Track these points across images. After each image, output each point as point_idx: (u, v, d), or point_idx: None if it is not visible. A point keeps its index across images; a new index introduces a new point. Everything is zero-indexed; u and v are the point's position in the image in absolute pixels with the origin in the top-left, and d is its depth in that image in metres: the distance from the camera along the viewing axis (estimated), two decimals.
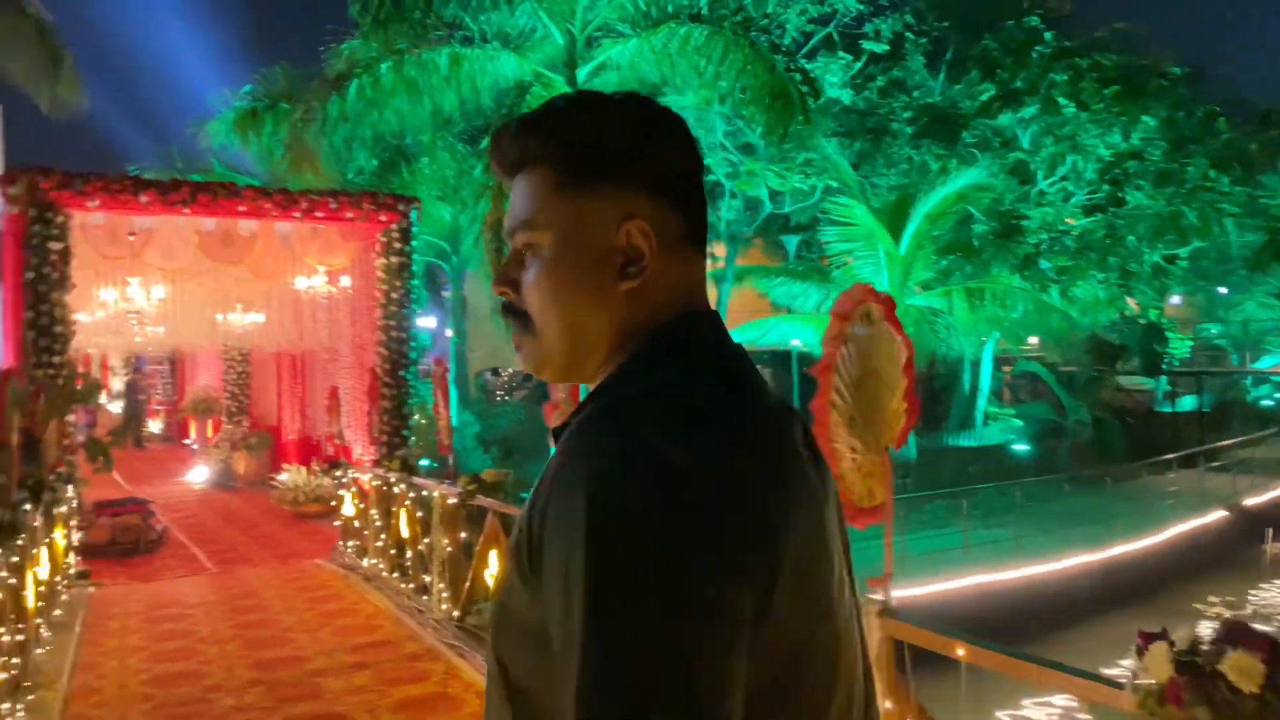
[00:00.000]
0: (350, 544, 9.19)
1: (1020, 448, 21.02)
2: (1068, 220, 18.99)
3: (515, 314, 1.00)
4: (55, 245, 9.27)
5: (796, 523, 0.87)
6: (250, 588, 8.45)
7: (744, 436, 0.89)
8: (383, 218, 11.01)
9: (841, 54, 17.40)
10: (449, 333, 23.20)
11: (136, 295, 11.19)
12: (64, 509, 8.03)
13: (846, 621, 0.96)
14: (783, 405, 1.01)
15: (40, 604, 6.59)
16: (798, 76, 12.76)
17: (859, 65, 18.02)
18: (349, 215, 10.83)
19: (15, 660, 5.31)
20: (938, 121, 18.17)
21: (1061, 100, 18.07)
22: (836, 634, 0.93)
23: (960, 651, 2.66)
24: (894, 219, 16.79)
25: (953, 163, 17.80)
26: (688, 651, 0.77)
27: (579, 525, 0.80)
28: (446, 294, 23.24)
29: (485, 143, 14.13)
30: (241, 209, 10.15)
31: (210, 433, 17.74)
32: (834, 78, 17.03)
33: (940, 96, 19.50)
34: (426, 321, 27.12)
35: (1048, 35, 18.69)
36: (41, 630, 6.55)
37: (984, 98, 18.84)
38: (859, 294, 3.06)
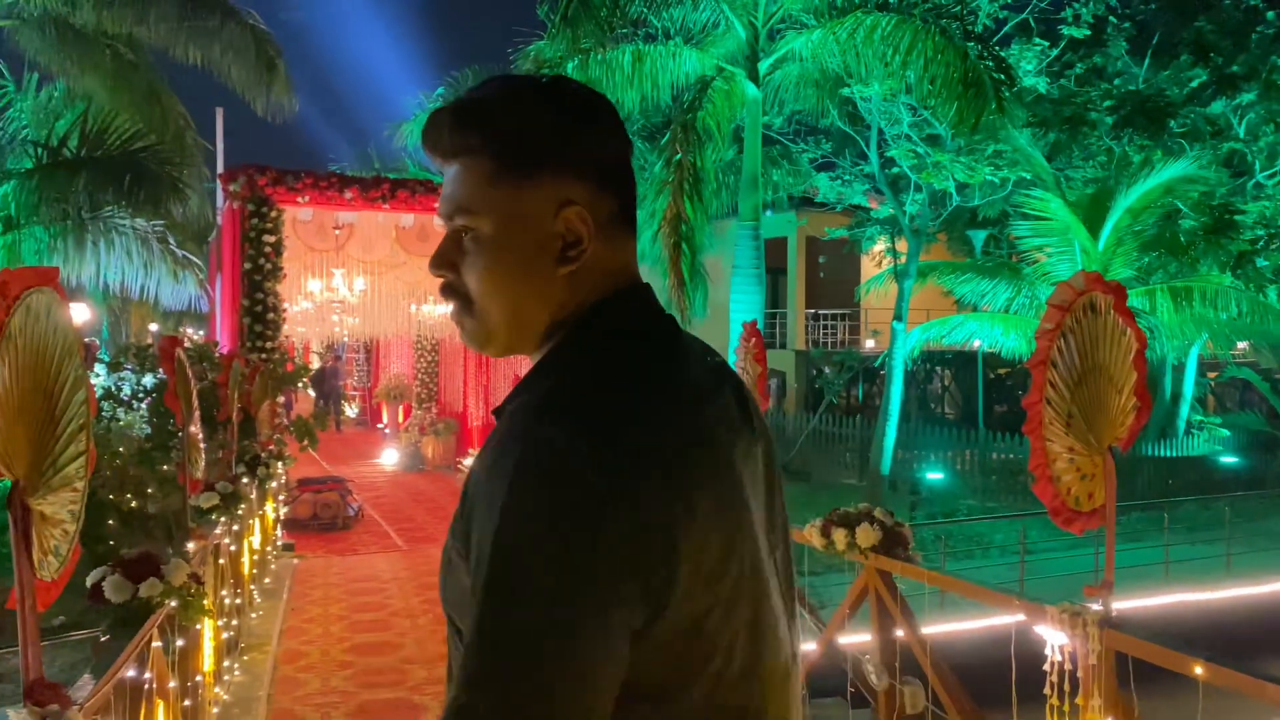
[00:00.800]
0: None
1: (1228, 460, 19.51)
2: None
3: (455, 294, 1.04)
4: (269, 238, 9.93)
5: (704, 521, 0.91)
6: (438, 566, 8.80)
7: (652, 435, 0.91)
8: None
9: (1037, 40, 16.54)
10: None
11: (339, 286, 11.85)
12: (274, 484, 8.59)
13: (769, 589, 1.01)
14: (712, 369, 1.06)
15: (254, 571, 7.07)
16: (990, 64, 12.21)
17: (1055, 52, 17.09)
18: None
19: (234, 622, 5.71)
20: (1141, 110, 17.01)
21: None
22: (757, 606, 0.97)
23: (1198, 670, 2.46)
24: (1091, 213, 15.89)
25: (1157, 154, 16.64)
26: (554, 663, 0.82)
27: (493, 520, 0.86)
28: None
29: (665, 139, 14.28)
30: (437, 205, 10.60)
31: (401, 418, 18.62)
32: (1028, 65, 16.20)
33: (1144, 84, 18.28)
34: None
35: (1270, 14, 17.23)
36: (254, 596, 7.02)
37: (1195, 84, 17.53)
38: (1083, 283, 2.88)
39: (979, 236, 18.97)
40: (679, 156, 13.03)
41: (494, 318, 1.02)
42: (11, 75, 14.47)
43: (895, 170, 17.64)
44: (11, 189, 11.12)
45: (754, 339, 5.34)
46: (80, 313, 16.80)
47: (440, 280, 1.06)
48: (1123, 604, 9.60)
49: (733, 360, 5.95)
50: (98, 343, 20.07)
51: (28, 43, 13.94)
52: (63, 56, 13.98)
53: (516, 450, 0.89)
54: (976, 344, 18.08)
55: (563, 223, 0.99)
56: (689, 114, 13.24)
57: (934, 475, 17.58)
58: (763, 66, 13.38)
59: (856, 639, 4.56)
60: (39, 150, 11.92)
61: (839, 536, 3.92)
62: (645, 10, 13.55)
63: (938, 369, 26.16)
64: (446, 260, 1.04)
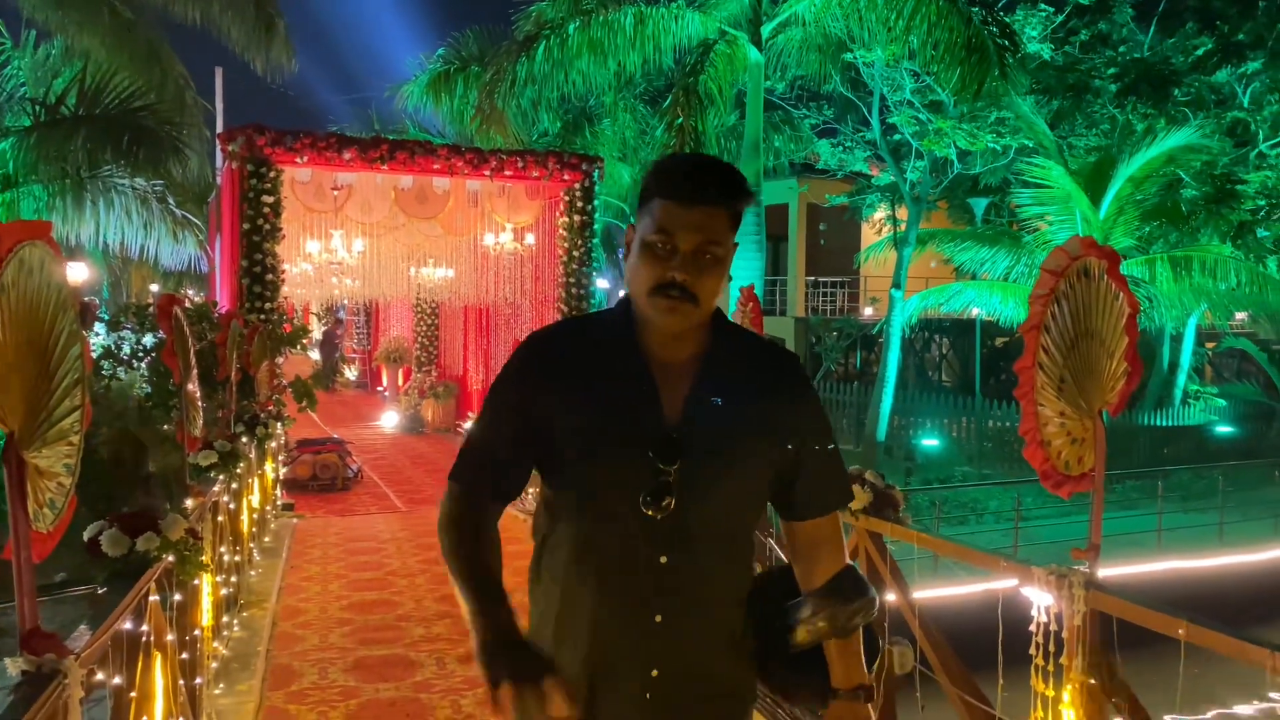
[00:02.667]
0: (531, 490, 9.50)
1: (1223, 430, 19.59)
2: None
3: (685, 291, 1.56)
4: (268, 199, 9.88)
5: None
6: (436, 527, 8.86)
7: None
8: (566, 177, 11.20)
9: (1042, 6, 16.37)
10: (622, 294, 23.49)
11: (338, 248, 11.82)
12: (274, 444, 8.62)
13: None
14: None
15: (253, 530, 7.13)
16: (994, 30, 12.10)
17: (1060, 18, 16.93)
18: (535, 174, 11.08)
19: (233, 579, 5.77)
20: (1146, 78, 16.89)
21: None
22: None
23: (1180, 631, 2.49)
24: (1093, 182, 15.82)
25: (1160, 122, 16.55)
26: None
27: (816, 396, 1.79)
28: (622, 255, 23.52)
29: (667, 103, 14.16)
30: (436, 166, 10.53)
31: (401, 380, 18.65)
32: (1033, 31, 16.04)
33: (1149, 51, 18.13)
34: (601, 283, 27.55)
35: None
36: (254, 554, 7.08)
37: (1200, 52, 17.39)
38: (1077, 248, 2.88)
39: (980, 204, 18.90)
40: (680, 120, 12.96)
41: (708, 308, 1.61)
42: (9, 32, 14.33)
43: (897, 137, 17.54)
44: (9, 146, 11.06)
45: (750, 304, 5.35)
46: (79, 272, 16.77)
47: (676, 278, 1.56)
48: (1116, 570, 9.65)
49: None
50: (97, 302, 20.06)
51: None
52: (60, 14, 13.82)
53: (802, 372, 1.77)
54: (975, 312, 18.09)
55: (732, 256, 1.62)
56: (691, 78, 13.15)
57: (930, 442, 17.66)
58: (765, 30, 13.26)
59: None
60: (37, 108, 11.85)
61: None
62: None
63: (936, 337, 26.17)
64: (690, 268, 1.56)
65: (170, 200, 12.70)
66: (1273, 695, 8.51)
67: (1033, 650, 3.01)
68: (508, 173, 10.98)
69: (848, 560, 1.73)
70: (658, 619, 1.58)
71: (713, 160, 1.64)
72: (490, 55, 15.31)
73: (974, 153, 16.60)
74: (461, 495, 1.71)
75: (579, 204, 11.34)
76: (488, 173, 10.89)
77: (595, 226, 11.48)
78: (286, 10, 15.02)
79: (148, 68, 14.12)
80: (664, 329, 1.63)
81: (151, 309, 9.60)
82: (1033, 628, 3.01)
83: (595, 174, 11.36)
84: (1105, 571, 2.96)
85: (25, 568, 1.94)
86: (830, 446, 1.74)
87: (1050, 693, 2.95)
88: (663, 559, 1.58)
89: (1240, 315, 21.14)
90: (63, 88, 12.23)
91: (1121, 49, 17.99)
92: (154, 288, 23.24)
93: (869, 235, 22.55)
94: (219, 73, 18.85)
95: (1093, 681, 2.83)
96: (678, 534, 1.57)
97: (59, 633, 2.16)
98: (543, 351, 1.71)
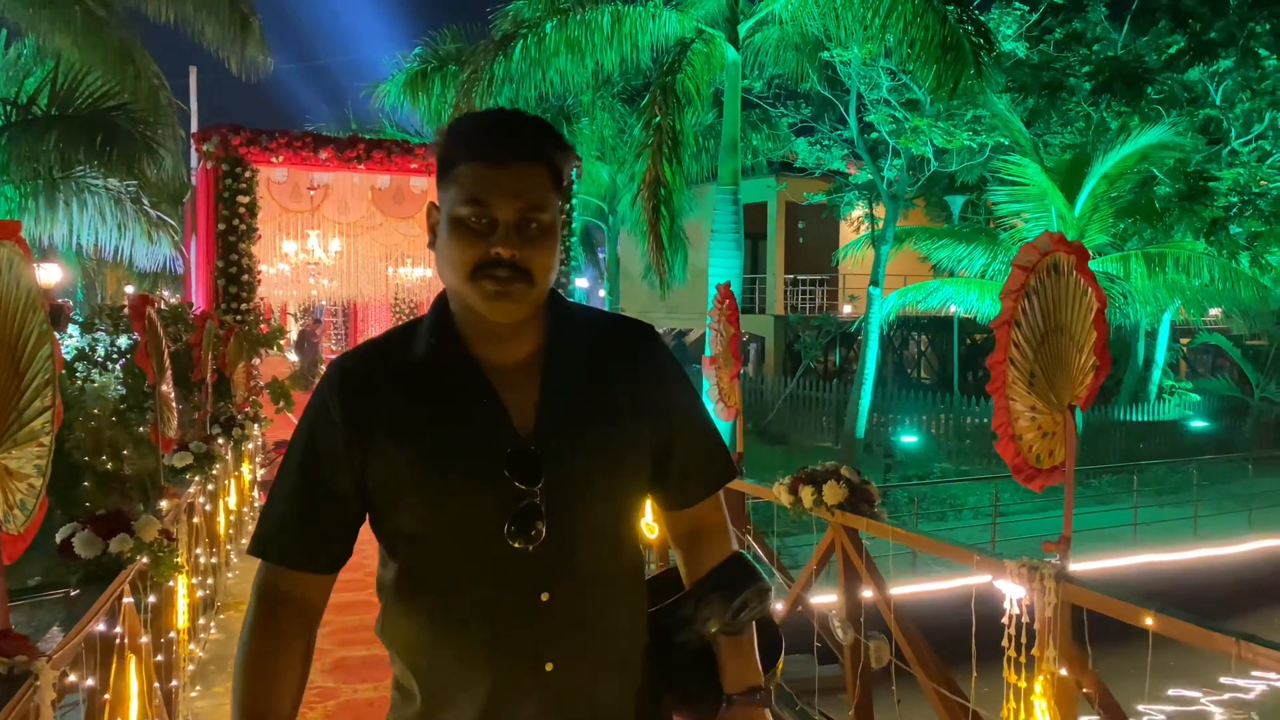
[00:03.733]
0: None
1: (1198, 424, 19.80)
2: (1262, 182, 17.57)
3: (516, 268, 1.30)
4: (243, 199, 9.84)
5: None
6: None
7: None
8: None
9: (1017, 4, 16.50)
10: (602, 293, 23.54)
11: (315, 248, 11.77)
12: (250, 446, 8.57)
13: None
14: None
15: (230, 532, 7.08)
16: (970, 28, 12.18)
17: (1035, 16, 17.07)
18: None
19: (210, 581, 5.73)
20: (1119, 76, 17.05)
21: (1262, 52, 16.68)
22: None
23: (1148, 621, 2.53)
24: (1068, 179, 15.96)
25: (1134, 120, 16.71)
26: None
27: (682, 376, 1.51)
28: (601, 254, 23.53)
29: (644, 102, 14.18)
30: (413, 166, 10.51)
31: None
32: (1008, 30, 16.16)
33: (1123, 50, 18.31)
34: (580, 282, 27.56)
35: None
36: (231, 557, 7.04)
37: (1173, 50, 17.58)
38: (1047, 243, 2.91)
39: (956, 202, 19.02)
40: (658, 119, 12.96)
41: (544, 286, 1.34)
42: None
43: (874, 135, 17.62)
44: None
45: (727, 301, 5.37)
46: (53, 273, 16.62)
47: (501, 254, 1.30)
48: (1092, 564, 9.73)
49: (708, 322, 5.98)
50: (71, 303, 19.86)
51: None
52: (31, 13, 13.69)
53: (659, 341, 1.50)
54: (953, 309, 18.21)
55: (559, 226, 1.38)
56: (668, 76, 13.15)
57: (908, 439, 17.75)
58: (743, 29, 13.28)
59: (826, 598, 4.64)
60: (8, 108, 11.73)
61: (806, 493, 3.98)
62: None
63: (914, 334, 26.31)
64: (515, 242, 1.30)
65: (145, 201, 12.59)
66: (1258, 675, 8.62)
67: (1005, 642, 3.04)
68: None
69: (735, 548, 1.51)
70: (548, 667, 1.34)
71: (519, 111, 1.37)
72: (468, 54, 15.26)
73: (950, 151, 16.70)
74: (267, 585, 1.38)
75: None
76: None
77: (574, 225, 11.48)
78: (262, 9, 14.94)
79: (121, 67, 14.00)
80: (495, 318, 1.34)
81: (125, 310, 9.52)
82: (1005, 620, 3.04)
83: (573, 173, 11.36)
84: (1082, 565, 2.99)
85: None
86: (702, 420, 1.51)
87: (1022, 684, 2.98)
88: (544, 596, 1.32)
89: (1214, 311, 21.37)
90: (34, 87, 12.12)
91: (1095, 47, 18.15)
92: (129, 289, 23.05)
93: (847, 233, 22.64)
94: (193, 72, 18.74)
95: (1063, 672, 2.86)
96: (556, 564, 1.33)
97: (31, 635, 2.15)
98: (347, 382, 1.38)
